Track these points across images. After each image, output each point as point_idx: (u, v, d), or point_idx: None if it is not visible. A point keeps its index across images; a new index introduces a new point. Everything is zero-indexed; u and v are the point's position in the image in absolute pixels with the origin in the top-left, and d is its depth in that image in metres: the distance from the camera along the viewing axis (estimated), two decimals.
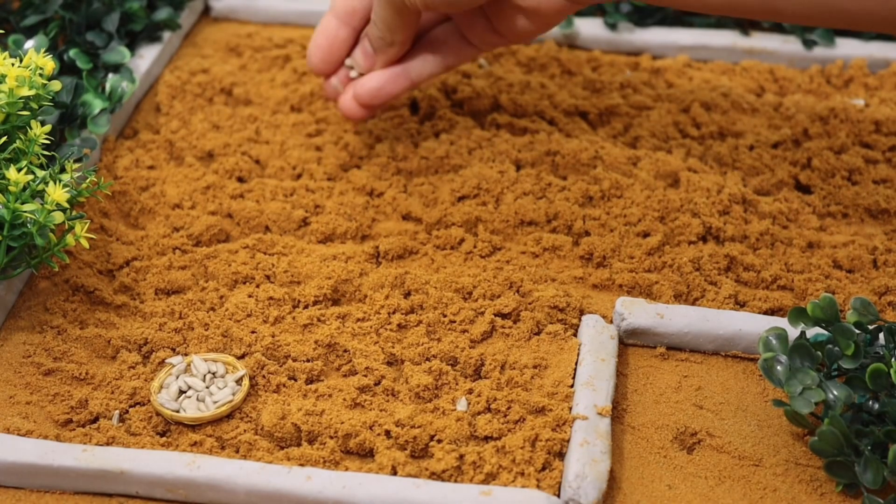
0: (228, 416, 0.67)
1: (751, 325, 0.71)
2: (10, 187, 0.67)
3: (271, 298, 0.73)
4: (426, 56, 0.82)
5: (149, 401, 0.67)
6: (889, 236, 0.80)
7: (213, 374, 0.68)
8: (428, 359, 0.70)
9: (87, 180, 0.74)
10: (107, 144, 0.85)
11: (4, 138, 0.70)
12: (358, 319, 0.72)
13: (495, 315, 0.73)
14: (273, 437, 0.65)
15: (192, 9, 0.99)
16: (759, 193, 0.83)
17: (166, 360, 0.69)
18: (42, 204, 0.68)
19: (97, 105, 0.83)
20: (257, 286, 0.75)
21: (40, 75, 0.72)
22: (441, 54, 0.82)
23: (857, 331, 0.65)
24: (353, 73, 0.83)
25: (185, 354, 0.70)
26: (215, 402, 0.66)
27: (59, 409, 0.67)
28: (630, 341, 0.72)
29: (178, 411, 0.66)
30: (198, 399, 0.67)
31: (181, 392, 0.67)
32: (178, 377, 0.68)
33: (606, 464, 0.63)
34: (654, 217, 0.80)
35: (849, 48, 0.97)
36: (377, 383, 0.69)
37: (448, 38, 0.82)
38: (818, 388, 0.63)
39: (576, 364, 0.69)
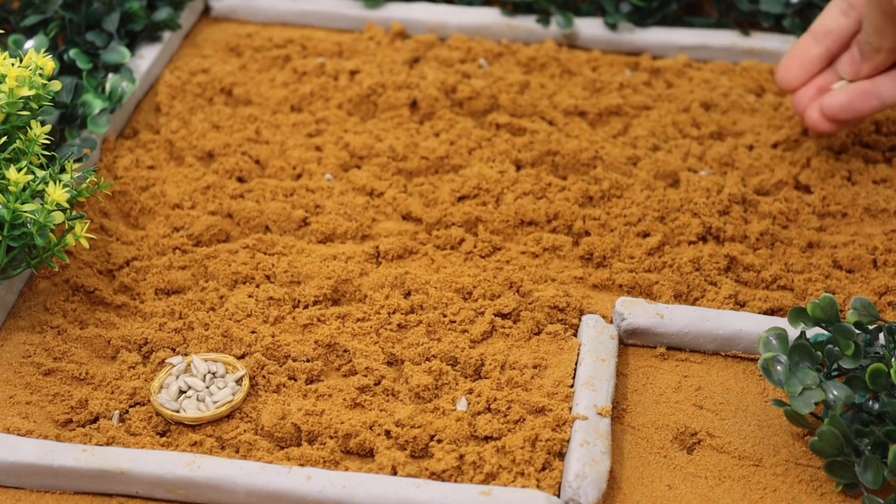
0: (228, 416, 0.67)
1: (751, 325, 0.71)
2: (10, 187, 0.67)
3: (271, 298, 0.73)
4: None
5: (149, 401, 0.67)
6: (889, 236, 0.80)
7: (213, 374, 0.68)
8: (428, 359, 0.70)
9: (87, 180, 0.74)
10: (107, 144, 0.85)
11: (4, 138, 0.70)
12: (358, 319, 0.72)
13: (495, 315, 0.73)
14: (273, 437, 0.65)
15: (192, 9, 0.99)
16: (759, 193, 0.83)
17: (166, 361, 0.69)
18: (42, 204, 0.68)
19: (97, 105, 0.83)
20: (257, 286, 0.75)
21: (40, 75, 0.72)
22: None
23: (857, 331, 0.65)
24: (836, 85, 0.84)
25: (185, 354, 0.70)
26: (215, 403, 0.66)
27: (59, 409, 0.67)
28: (630, 341, 0.72)
29: (178, 411, 0.66)
30: (198, 399, 0.67)
31: (181, 392, 0.67)
32: (178, 377, 0.68)
33: (606, 464, 0.63)
34: (653, 217, 0.80)
35: None
36: (377, 383, 0.69)
37: None
38: (818, 389, 0.63)
39: (576, 364, 0.69)
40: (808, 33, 0.84)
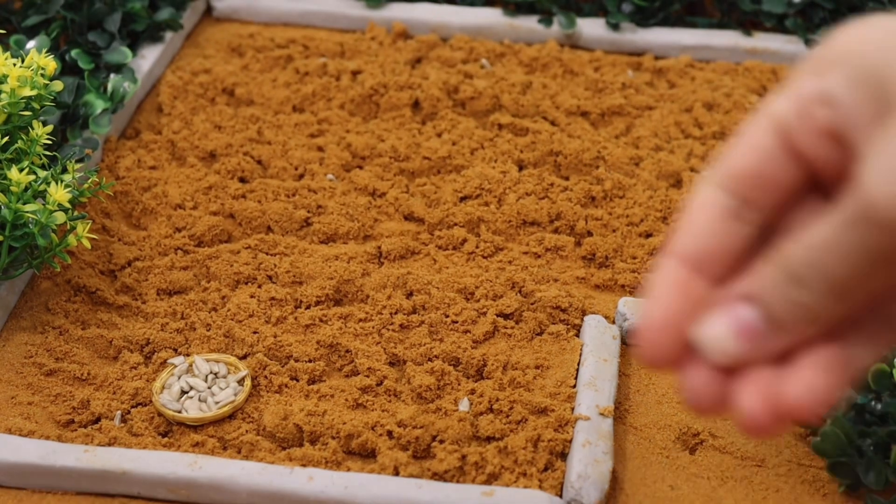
0: (230, 416, 0.67)
1: None
2: (11, 187, 0.67)
3: (273, 299, 0.73)
4: (876, 328, 0.44)
5: (150, 401, 0.67)
6: None
7: (215, 374, 0.68)
8: (430, 359, 0.70)
9: (89, 180, 0.74)
10: (108, 145, 0.85)
11: (6, 138, 0.70)
12: (360, 320, 0.72)
13: (497, 315, 0.73)
14: (275, 437, 0.65)
15: (194, 9, 0.99)
16: None
17: (168, 361, 0.69)
18: (44, 204, 0.68)
19: (99, 105, 0.83)
20: (259, 286, 0.74)
21: (42, 75, 0.72)
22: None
23: None
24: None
25: (187, 355, 0.70)
26: (217, 403, 0.66)
27: (60, 409, 0.67)
28: (632, 342, 0.72)
29: (179, 412, 0.66)
30: (200, 399, 0.67)
31: (183, 392, 0.67)
32: (179, 377, 0.68)
33: (609, 464, 0.63)
34: (656, 217, 0.80)
35: None
36: (379, 384, 0.69)
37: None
38: None
39: (578, 364, 0.69)
40: (679, 259, 0.45)
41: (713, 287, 0.45)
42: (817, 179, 0.44)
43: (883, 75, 0.41)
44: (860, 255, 0.41)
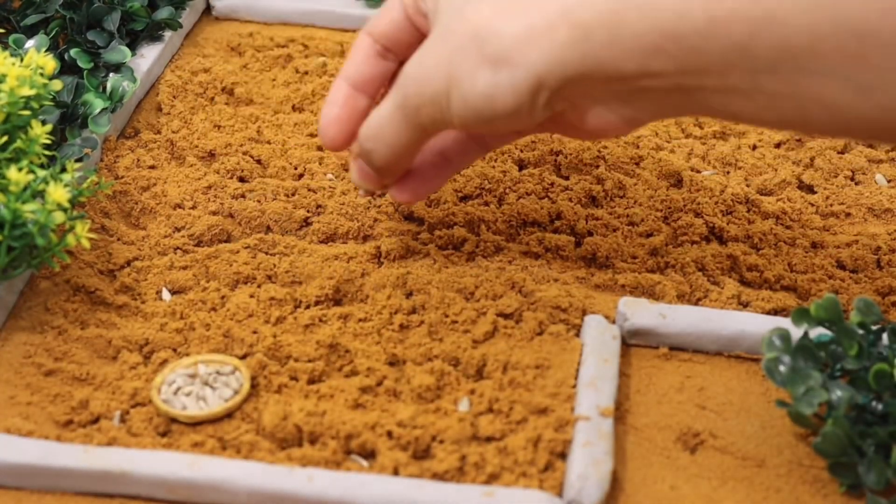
0: (229, 416, 0.66)
1: (754, 325, 0.71)
2: (10, 187, 0.67)
3: (273, 298, 0.73)
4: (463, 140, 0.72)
5: (150, 401, 0.67)
6: (893, 236, 0.79)
7: (216, 373, 0.68)
8: (430, 359, 0.70)
9: (88, 180, 0.74)
10: (108, 144, 0.85)
11: (5, 138, 0.70)
12: (360, 320, 0.72)
13: (497, 315, 0.73)
14: (274, 437, 0.65)
15: (193, 8, 0.99)
16: (762, 193, 0.83)
17: (167, 361, 0.69)
18: (43, 204, 0.68)
19: (98, 104, 0.83)
20: (259, 286, 0.74)
21: (41, 75, 0.72)
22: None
23: (861, 331, 0.65)
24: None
25: (187, 354, 0.70)
26: (217, 402, 0.66)
27: (59, 409, 0.67)
28: (633, 342, 0.72)
29: (180, 409, 0.66)
30: (199, 398, 0.66)
31: (182, 391, 0.67)
32: (179, 377, 0.68)
33: (609, 465, 0.63)
34: (657, 217, 0.80)
35: None
36: (379, 384, 0.68)
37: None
38: (822, 389, 0.63)
39: (578, 364, 0.69)
40: (348, 82, 0.70)
41: (370, 100, 0.70)
42: (423, 34, 0.67)
43: (436, 1, 0.64)
44: (404, 122, 0.65)
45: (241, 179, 0.83)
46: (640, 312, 0.72)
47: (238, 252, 0.77)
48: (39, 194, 0.69)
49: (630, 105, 0.63)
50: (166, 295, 0.74)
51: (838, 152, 0.86)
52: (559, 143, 0.85)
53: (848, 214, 0.82)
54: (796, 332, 0.66)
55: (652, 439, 0.67)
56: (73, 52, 0.87)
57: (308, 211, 0.80)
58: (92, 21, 0.91)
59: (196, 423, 0.66)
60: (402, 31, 0.69)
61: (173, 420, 0.66)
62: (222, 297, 0.74)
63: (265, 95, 0.91)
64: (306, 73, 0.93)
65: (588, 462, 0.62)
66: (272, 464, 0.63)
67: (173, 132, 0.87)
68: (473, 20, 0.61)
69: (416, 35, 0.69)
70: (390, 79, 0.70)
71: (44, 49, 0.75)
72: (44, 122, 0.75)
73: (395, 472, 0.63)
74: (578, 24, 0.59)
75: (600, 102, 0.63)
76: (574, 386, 0.68)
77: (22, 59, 0.73)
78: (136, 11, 0.92)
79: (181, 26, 0.96)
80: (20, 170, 0.69)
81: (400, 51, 0.70)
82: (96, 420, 0.66)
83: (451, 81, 0.62)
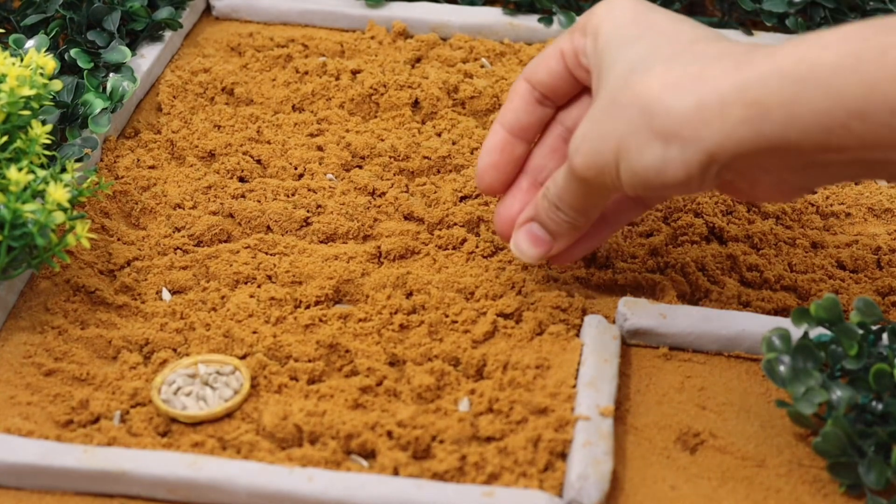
0: (229, 416, 0.66)
1: (754, 325, 0.71)
2: (10, 187, 0.67)
3: (273, 299, 0.73)
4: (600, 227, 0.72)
5: (150, 401, 0.67)
6: (893, 236, 0.79)
7: (216, 373, 0.68)
8: (430, 359, 0.70)
9: (88, 180, 0.74)
10: (108, 144, 0.85)
11: (5, 138, 0.70)
12: (360, 320, 0.72)
13: (497, 315, 0.73)
14: (274, 437, 0.65)
15: (193, 8, 0.99)
16: None
17: (167, 361, 0.69)
18: (43, 204, 0.68)
19: (98, 104, 0.83)
20: (259, 286, 0.74)
21: (41, 75, 0.72)
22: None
23: (861, 331, 0.65)
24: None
25: (187, 354, 0.70)
26: (217, 402, 0.66)
27: (59, 409, 0.67)
28: (633, 342, 0.72)
29: (180, 410, 0.66)
30: (199, 398, 0.66)
31: (183, 391, 0.67)
32: (179, 377, 0.68)
33: (609, 465, 0.63)
34: (657, 217, 0.80)
35: None
36: (379, 384, 0.68)
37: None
38: (822, 389, 0.63)
39: (578, 364, 0.69)
40: (505, 128, 0.71)
41: (526, 146, 0.72)
42: (582, 85, 0.69)
43: (600, 60, 0.64)
44: (580, 189, 0.65)
45: (241, 179, 0.83)
46: (640, 312, 0.72)
47: (238, 252, 0.77)
48: (39, 194, 0.69)
49: (803, 176, 0.61)
50: (166, 295, 0.74)
51: None
52: None
53: (848, 214, 0.82)
54: (796, 332, 0.66)
55: (652, 439, 0.67)
56: (73, 52, 0.87)
57: (308, 211, 0.80)
58: (92, 21, 0.91)
59: (196, 423, 0.66)
60: (561, 81, 0.69)
61: (173, 420, 0.66)
62: (222, 297, 0.74)
63: (265, 95, 0.91)
64: (306, 73, 0.93)
65: (588, 462, 0.62)
66: (272, 464, 0.63)
67: (173, 132, 0.87)
68: (642, 93, 0.60)
69: (575, 86, 0.69)
70: (546, 124, 0.71)
71: (44, 49, 0.75)
72: (44, 122, 0.75)
73: (395, 472, 0.63)
74: (754, 103, 0.58)
75: (771, 173, 0.62)
76: (574, 386, 0.68)
77: (22, 59, 0.73)
78: (136, 11, 0.92)
79: (181, 26, 0.96)
80: (20, 170, 0.69)
81: (558, 99, 0.70)
82: (96, 420, 0.66)
83: (620, 153, 0.61)
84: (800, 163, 0.60)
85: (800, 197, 0.64)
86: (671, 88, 0.60)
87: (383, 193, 0.82)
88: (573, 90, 0.70)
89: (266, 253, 0.77)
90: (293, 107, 0.90)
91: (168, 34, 0.94)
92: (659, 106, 0.60)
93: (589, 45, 0.66)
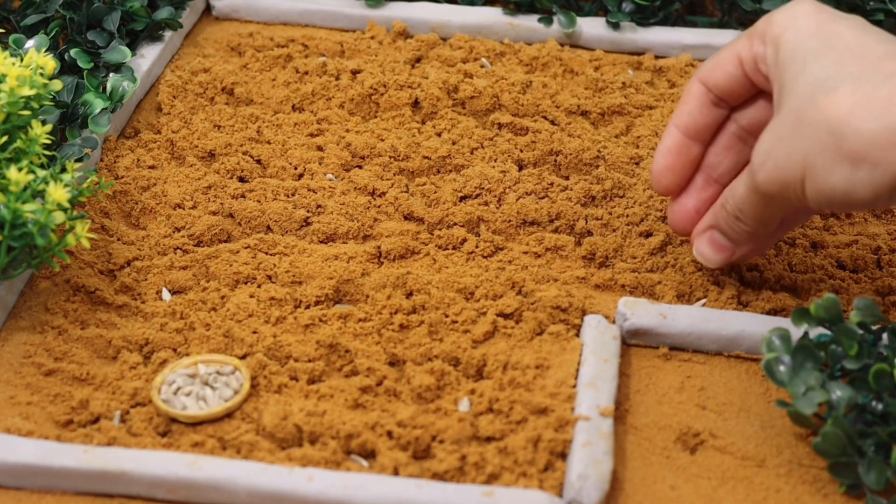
0: (229, 416, 0.66)
1: (754, 325, 0.71)
2: (10, 187, 0.67)
3: (273, 298, 0.73)
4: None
5: (150, 401, 0.67)
6: (893, 236, 0.79)
7: (217, 373, 0.68)
8: (430, 359, 0.70)
9: (88, 180, 0.74)
10: (108, 144, 0.85)
11: (5, 138, 0.70)
12: (360, 320, 0.72)
13: (497, 315, 0.73)
14: (274, 437, 0.65)
15: (193, 8, 0.99)
16: None
17: (168, 360, 0.69)
18: (43, 204, 0.68)
19: (98, 104, 0.83)
20: (259, 286, 0.74)
21: (41, 75, 0.72)
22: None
23: (861, 331, 0.65)
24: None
25: (187, 354, 0.70)
26: (216, 402, 0.66)
27: (59, 409, 0.67)
28: (633, 342, 0.72)
29: (180, 410, 0.66)
30: (199, 398, 0.66)
31: (183, 391, 0.67)
32: (179, 377, 0.68)
33: (609, 464, 0.63)
34: (656, 217, 0.80)
35: None
36: (379, 384, 0.68)
37: None
38: (821, 389, 0.63)
39: (578, 364, 0.69)
40: (680, 130, 0.72)
41: (702, 147, 0.72)
42: (759, 89, 0.70)
43: (782, 72, 0.65)
44: (761, 202, 0.66)
45: (241, 179, 0.83)
46: (640, 312, 0.72)
47: (238, 252, 0.77)
48: (39, 194, 0.70)
49: None
50: (166, 295, 0.74)
51: None
52: (559, 142, 0.85)
53: (848, 215, 0.82)
54: (796, 332, 0.66)
55: (652, 439, 0.67)
56: (73, 52, 0.87)
57: (308, 211, 0.80)
58: (92, 21, 0.91)
59: (196, 423, 0.66)
60: (738, 85, 0.70)
61: (173, 420, 0.66)
62: (222, 297, 0.74)
63: (265, 95, 0.91)
64: (306, 73, 0.93)
65: (588, 462, 0.62)
66: (272, 464, 0.63)
67: (173, 132, 0.87)
68: (830, 113, 0.61)
69: (751, 89, 0.70)
70: (721, 125, 0.72)
71: (44, 49, 0.75)
72: (44, 122, 0.75)
73: (395, 472, 0.63)
74: None
75: None
76: (574, 386, 0.68)
77: (22, 59, 0.73)
78: (137, 11, 0.92)
79: (181, 26, 0.96)
80: (20, 170, 0.69)
81: (733, 101, 0.71)
82: (96, 420, 0.66)
83: (806, 172, 0.62)
84: None
85: None
86: (861, 110, 0.60)
87: (383, 193, 0.82)
88: (749, 93, 0.70)
89: (266, 253, 0.77)
90: (293, 107, 0.90)
91: (168, 34, 0.94)
92: (848, 129, 0.60)
93: (770, 54, 0.66)
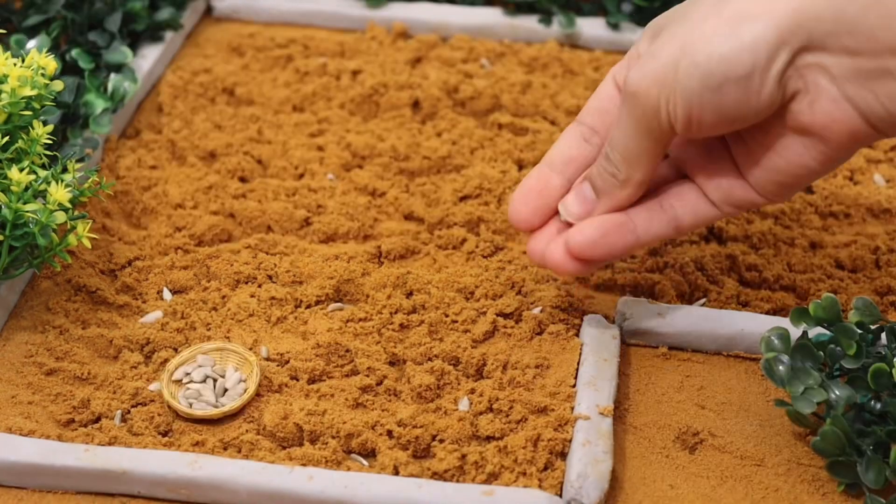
0: (232, 416, 0.67)
1: (753, 325, 0.71)
2: (12, 187, 0.67)
3: (273, 298, 0.73)
4: (654, 211, 0.66)
5: (151, 400, 0.67)
6: (891, 236, 0.80)
7: (223, 372, 0.68)
8: (430, 359, 0.70)
9: (90, 180, 0.74)
10: (109, 144, 0.85)
11: (7, 138, 0.70)
12: (360, 319, 0.72)
13: (497, 315, 0.73)
14: (275, 436, 0.65)
15: (194, 8, 0.99)
16: None
17: (168, 360, 0.69)
18: (44, 204, 0.68)
19: (99, 105, 0.83)
20: (259, 286, 0.75)
21: (42, 75, 0.72)
22: (673, 212, 0.66)
23: (860, 331, 0.65)
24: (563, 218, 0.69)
25: (209, 339, 0.70)
26: (225, 398, 0.67)
27: (60, 408, 0.67)
28: (632, 341, 0.72)
29: (188, 406, 0.66)
30: (200, 397, 0.67)
31: (190, 388, 0.67)
32: (194, 369, 0.68)
33: (608, 464, 0.63)
34: None
35: None
36: (379, 383, 0.69)
37: (684, 194, 0.67)
38: (820, 388, 0.63)
39: (578, 364, 0.69)
40: (545, 163, 0.68)
41: (566, 183, 0.68)
42: None
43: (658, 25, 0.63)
44: (630, 126, 0.62)
45: (242, 179, 0.84)
46: (640, 312, 0.72)
47: (239, 252, 0.77)
48: (41, 194, 0.70)
49: (868, 89, 0.58)
50: (167, 294, 0.74)
51: None
52: None
53: (847, 215, 0.82)
54: (795, 332, 0.67)
55: (651, 438, 0.67)
56: (74, 52, 0.87)
57: (308, 211, 0.80)
58: (93, 22, 0.91)
59: (197, 422, 0.66)
60: (612, 107, 0.68)
61: (177, 415, 0.66)
62: (223, 297, 0.74)
63: (266, 96, 0.91)
64: (307, 73, 0.93)
65: (587, 461, 0.62)
66: (273, 463, 0.63)
67: (174, 132, 0.87)
68: (703, 3, 0.60)
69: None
70: (591, 162, 0.68)
71: (45, 50, 0.75)
72: (45, 123, 0.75)
73: (396, 472, 0.63)
74: None
75: (836, 84, 0.59)
76: (574, 385, 0.68)
77: (23, 60, 0.73)
78: (138, 12, 0.92)
79: (182, 27, 0.96)
80: (22, 170, 0.69)
81: (606, 130, 0.68)
82: (97, 419, 0.67)
83: (684, 53, 0.59)
84: (869, 67, 0.58)
85: (853, 145, 0.61)
86: None
87: (383, 193, 0.82)
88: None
89: (266, 253, 0.77)
90: (294, 107, 0.90)
91: (169, 35, 0.95)
92: None
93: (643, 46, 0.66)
